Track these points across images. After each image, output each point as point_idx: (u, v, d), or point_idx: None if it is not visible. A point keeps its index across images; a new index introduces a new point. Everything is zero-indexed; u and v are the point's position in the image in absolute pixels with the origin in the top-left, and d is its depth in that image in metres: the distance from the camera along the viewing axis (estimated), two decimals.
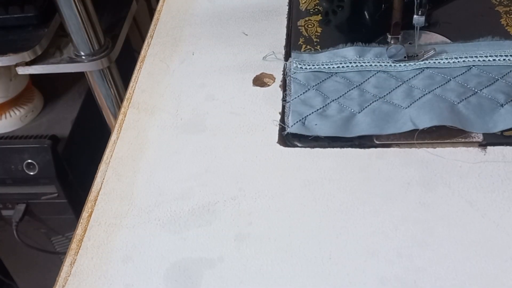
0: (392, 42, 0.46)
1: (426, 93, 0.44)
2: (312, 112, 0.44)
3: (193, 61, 0.53)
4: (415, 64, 0.46)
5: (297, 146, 0.43)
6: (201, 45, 0.55)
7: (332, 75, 0.48)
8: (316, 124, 0.43)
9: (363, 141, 0.42)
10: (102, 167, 0.44)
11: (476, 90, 0.44)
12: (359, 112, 0.43)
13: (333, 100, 0.45)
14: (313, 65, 0.48)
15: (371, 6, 0.50)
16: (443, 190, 0.38)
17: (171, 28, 0.58)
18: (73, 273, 0.37)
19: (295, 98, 0.46)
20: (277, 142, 0.43)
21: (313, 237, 0.37)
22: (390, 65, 0.46)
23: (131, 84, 0.52)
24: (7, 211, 1.02)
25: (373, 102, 0.44)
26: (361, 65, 0.47)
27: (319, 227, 0.37)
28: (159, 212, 0.40)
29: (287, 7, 0.58)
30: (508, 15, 0.50)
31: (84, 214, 0.40)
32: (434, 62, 0.46)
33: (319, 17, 0.54)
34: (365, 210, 0.38)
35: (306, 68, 0.48)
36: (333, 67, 0.48)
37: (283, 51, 0.52)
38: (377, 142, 0.42)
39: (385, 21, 0.46)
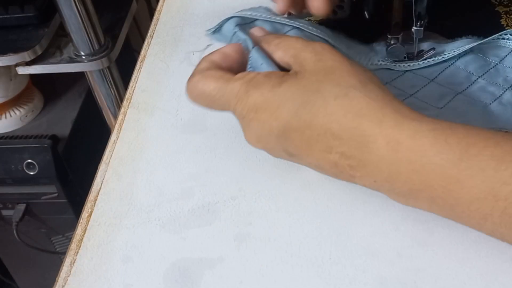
0: (392, 42, 0.46)
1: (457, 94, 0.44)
2: None
3: (193, 61, 0.53)
4: (423, 62, 0.46)
5: None
6: (201, 45, 0.55)
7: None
8: None
9: None
10: (102, 167, 0.44)
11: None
12: None
13: None
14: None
15: (371, 6, 0.50)
16: None
17: (171, 28, 0.58)
18: (73, 273, 0.37)
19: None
20: None
21: (313, 237, 0.37)
22: (394, 65, 0.46)
23: (131, 84, 0.52)
24: (7, 211, 1.02)
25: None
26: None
27: (319, 227, 0.37)
28: (159, 212, 0.40)
29: None
30: (508, 15, 0.50)
31: (84, 214, 0.40)
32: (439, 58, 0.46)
33: (319, 17, 0.54)
34: (365, 210, 0.38)
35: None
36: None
37: None
38: None
39: (385, 21, 0.46)
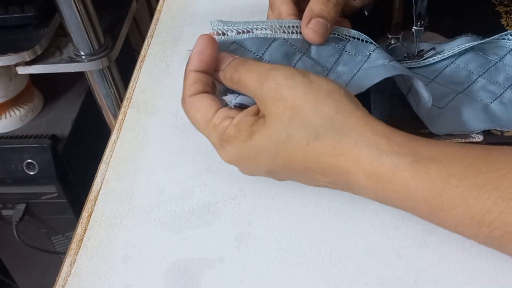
0: (392, 42, 0.46)
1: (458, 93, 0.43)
2: None
3: None
4: (423, 62, 0.46)
5: None
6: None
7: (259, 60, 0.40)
8: None
9: None
10: (102, 167, 0.44)
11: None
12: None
13: None
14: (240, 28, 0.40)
15: (371, 5, 0.50)
16: None
17: (171, 27, 0.58)
18: (73, 273, 0.37)
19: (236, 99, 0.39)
20: None
21: (313, 237, 0.37)
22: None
23: (131, 83, 0.52)
24: (7, 211, 1.02)
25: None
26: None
27: (319, 227, 0.37)
28: (159, 212, 0.40)
29: None
30: (508, 15, 0.50)
31: (84, 214, 0.40)
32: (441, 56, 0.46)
33: None
34: (365, 210, 0.38)
35: (228, 32, 0.40)
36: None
37: None
38: None
39: (385, 21, 0.46)
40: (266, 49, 0.40)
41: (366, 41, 0.43)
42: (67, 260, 0.38)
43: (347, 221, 0.37)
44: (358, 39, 0.43)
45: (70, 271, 0.37)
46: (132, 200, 0.41)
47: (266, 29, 0.40)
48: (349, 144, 0.32)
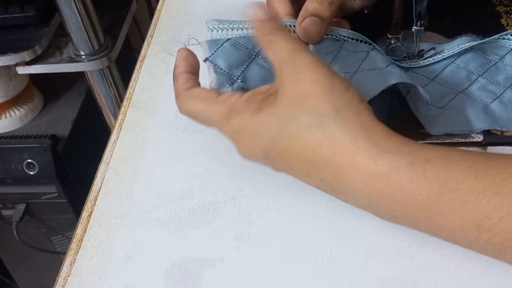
0: (392, 42, 0.46)
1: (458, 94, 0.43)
2: None
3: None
4: (423, 61, 0.46)
5: None
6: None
7: (255, 57, 0.41)
8: None
9: None
10: (102, 166, 0.44)
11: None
12: None
13: None
14: (232, 27, 0.41)
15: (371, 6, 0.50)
16: None
17: (171, 27, 0.58)
18: (73, 273, 0.37)
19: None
20: None
21: (313, 237, 0.37)
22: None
23: (131, 83, 0.51)
24: (7, 211, 1.02)
25: None
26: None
27: (319, 227, 0.37)
28: (159, 212, 0.40)
29: None
30: (508, 15, 0.50)
31: (84, 214, 0.40)
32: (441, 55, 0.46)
33: None
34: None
35: (223, 30, 0.41)
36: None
37: None
38: None
39: (385, 21, 0.46)
40: (261, 48, 0.40)
41: (365, 42, 0.43)
42: (67, 260, 0.38)
43: (347, 221, 0.37)
44: (355, 39, 0.43)
45: (70, 271, 0.37)
46: (132, 200, 0.41)
47: None
48: (349, 139, 0.32)
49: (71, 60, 0.86)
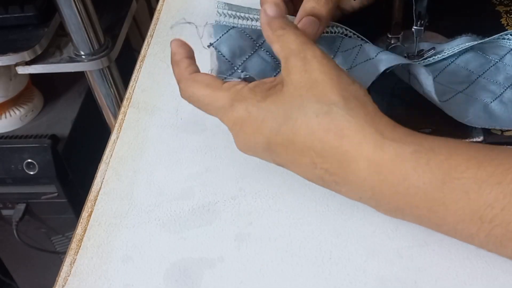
0: (392, 41, 0.46)
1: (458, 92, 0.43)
2: None
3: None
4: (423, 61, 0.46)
5: None
6: (201, 44, 0.55)
7: (258, 48, 0.41)
8: None
9: None
10: (102, 166, 0.44)
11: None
12: None
13: None
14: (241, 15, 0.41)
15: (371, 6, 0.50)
16: None
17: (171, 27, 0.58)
18: (73, 273, 0.37)
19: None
20: None
21: (313, 237, 0.37)
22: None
23: (131, 83, 0.51)
24: (7, 211, 1.02)
25: None
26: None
27: (319, 227, 0.37)
28: (159, 212, 0.40)
29: None
30: (508, 14, 0.50)
31: (84, 214, 0.40)
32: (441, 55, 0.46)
33: None
34: (365, 210, 0.37)
35: (231, 16, 0.40)
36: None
37: None
38: None
39: (385, 21, 0.46)
40: (264, 41, 0.40)
41: (358, 36, 0.43)
42: (67, 260, 0.38)
43: (347, 221, 0.37)
44: (349, 31, 0.43)
45: (70, 271, 0.37)
46: (132, 200, 0.41)
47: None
48: (356, 127, 0.32)
49: (71, 60, 0.86)
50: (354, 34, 0.43)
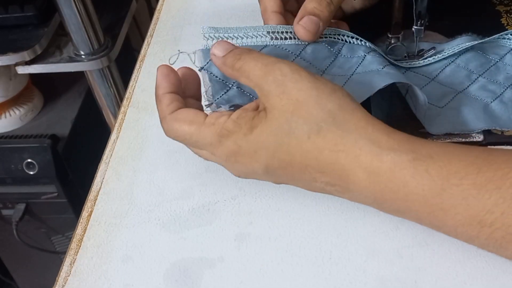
0: (392, 41, 0.46)
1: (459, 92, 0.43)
2: None
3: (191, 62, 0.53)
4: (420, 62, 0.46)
5: None
6: (201, 44, 0.55)
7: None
8: None
9: None
10: (101, 166, 0.44)
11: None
12: None
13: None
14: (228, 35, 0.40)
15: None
16: None
17: (171, 27, 0.58)
18: (72, 273, 0.37)
19: (218, 99, 0.39)
20: None
21: (313, 237, 0.37)
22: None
23: (131, 83, 0.51)
24: (7, 211, 1.02)
25: None
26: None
27: (319, 227, 0.37)
28: (159, 212, 0.40)
29: None
30: (508, 14, 0.50)
31: (84, 214, 0.40)
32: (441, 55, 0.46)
33: None
34: (365, 210, 0.38)
35: (218, 38, 0.40)
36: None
37: None
38: None
39: (385, 21, 0.46)
40: (260, 51, 0.40)
41: (363, 42, 0.43)
42: (67, 260, 0.38)
43: (347, 221, 0.37)
44: (354, 38, 0.43)
45: (70, 271, 0.37)
46: (132, 200, 0.41)
47: (257, 37, 0.40)
48: (350, 140, 0.32)
49: (71, 60, 0.86)
50: (361, 41, 0.43)
